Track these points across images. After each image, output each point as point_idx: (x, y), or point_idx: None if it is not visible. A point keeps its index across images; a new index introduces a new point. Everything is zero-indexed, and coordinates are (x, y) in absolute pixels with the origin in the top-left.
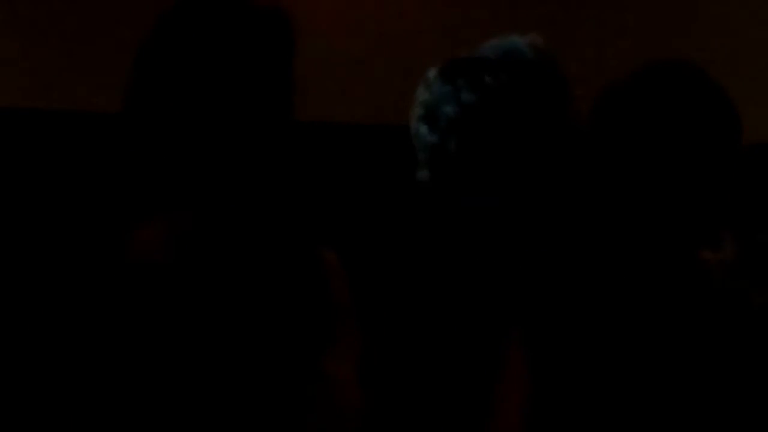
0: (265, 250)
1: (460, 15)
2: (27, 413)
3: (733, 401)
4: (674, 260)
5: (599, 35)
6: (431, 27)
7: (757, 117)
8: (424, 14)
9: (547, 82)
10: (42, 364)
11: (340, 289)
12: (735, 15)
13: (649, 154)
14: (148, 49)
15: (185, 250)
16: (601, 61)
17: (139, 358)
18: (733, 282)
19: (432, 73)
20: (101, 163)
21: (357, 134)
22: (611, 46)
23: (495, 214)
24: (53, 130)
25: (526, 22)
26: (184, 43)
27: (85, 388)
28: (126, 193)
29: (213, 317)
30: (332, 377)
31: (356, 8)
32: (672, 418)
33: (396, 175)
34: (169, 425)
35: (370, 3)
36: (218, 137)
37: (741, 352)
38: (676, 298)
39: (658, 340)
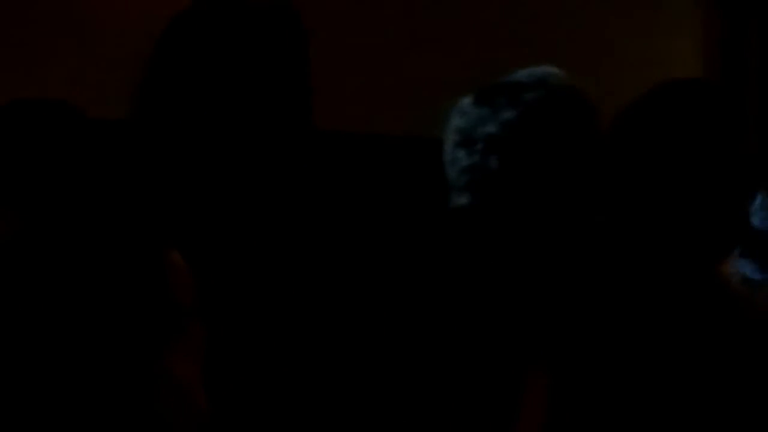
0: (104, 250)
1: None
2: None
3: (757, 416)
4: (695, 276)
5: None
6: None
7: None
8: None
9: (579, 102)
10: None
11: (183, 289)
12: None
13: (670, 171)
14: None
15: (22, 245)
16: None
17: None
18: (752, 294)
19: (466, 100)
20: None
21: None
22: None
23: (527, 234)
24: None
25: None
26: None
27: None
28: None
29: (46, 314)
30: (171, 376)
31: None
32: None
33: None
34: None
35: None
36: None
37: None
38: (697, 314)
39: (681, 358)
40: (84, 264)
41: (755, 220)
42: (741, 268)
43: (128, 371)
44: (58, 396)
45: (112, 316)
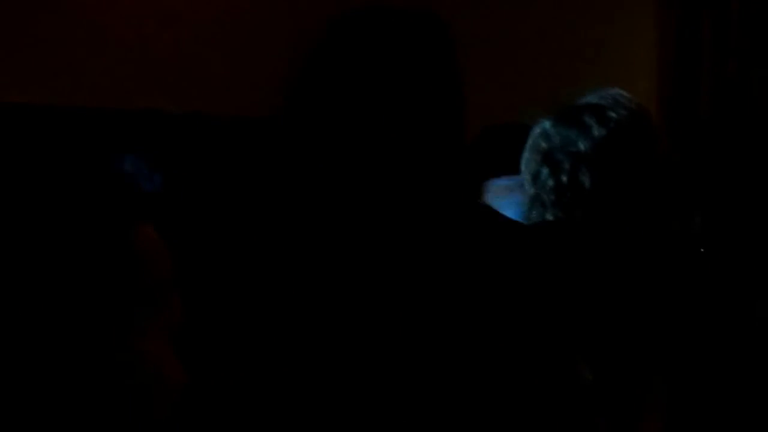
0: (68, 227)
1: None
2: None
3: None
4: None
5: None
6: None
7: None
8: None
9: (650, 117)
10: None
11: (156, 264)
12: None
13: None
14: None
15: None
16: None
17: None
18: (694, 242)
19: (546, 123)
20: None
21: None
22: None
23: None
24: None
25: None
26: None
27: None
28: None
29: (10, 291)
30: (143, 350)
31: None
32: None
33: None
34: None
35: None
36: None
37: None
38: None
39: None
40: (46, 238)
41: None
42: None
43: (94, 345)
44: (21, 371)
45: (75, 289)
